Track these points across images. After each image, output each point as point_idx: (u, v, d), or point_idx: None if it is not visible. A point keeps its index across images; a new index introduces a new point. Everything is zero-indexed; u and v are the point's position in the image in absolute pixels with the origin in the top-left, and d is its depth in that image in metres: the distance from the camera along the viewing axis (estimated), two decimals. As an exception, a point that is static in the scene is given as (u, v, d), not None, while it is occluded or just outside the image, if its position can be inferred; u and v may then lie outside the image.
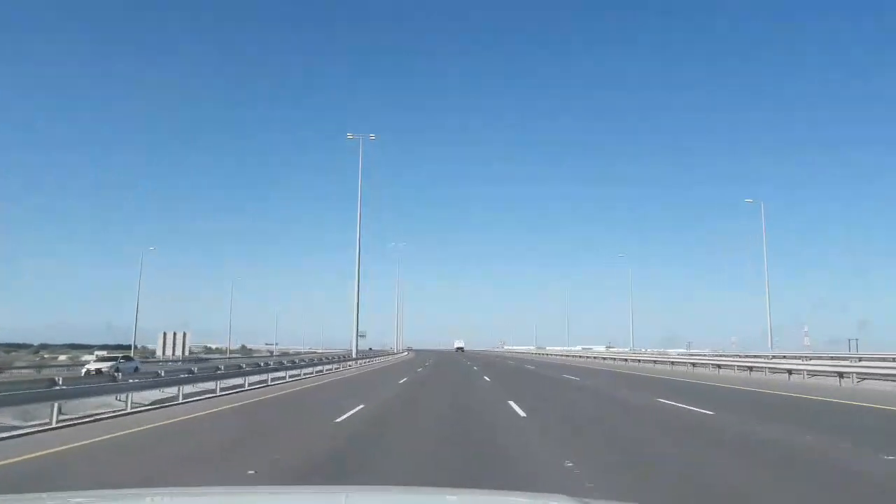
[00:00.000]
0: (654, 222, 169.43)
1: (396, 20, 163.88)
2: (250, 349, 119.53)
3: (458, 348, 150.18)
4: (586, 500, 2.74)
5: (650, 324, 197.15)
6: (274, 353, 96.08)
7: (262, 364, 30.03)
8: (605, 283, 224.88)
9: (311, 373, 33.36)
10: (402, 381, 28.14)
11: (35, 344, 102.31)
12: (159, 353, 61.72)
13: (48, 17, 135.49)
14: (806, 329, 46.55)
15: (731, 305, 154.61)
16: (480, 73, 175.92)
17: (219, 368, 25.32)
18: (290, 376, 28.98)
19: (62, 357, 75.60)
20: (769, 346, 44.61)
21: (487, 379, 30.38)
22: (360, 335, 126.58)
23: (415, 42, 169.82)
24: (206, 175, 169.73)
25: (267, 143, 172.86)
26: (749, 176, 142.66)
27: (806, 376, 27.22)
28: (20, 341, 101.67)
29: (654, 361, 47.79)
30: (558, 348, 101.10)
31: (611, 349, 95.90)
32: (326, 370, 36.95)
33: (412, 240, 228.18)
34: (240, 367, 27.42)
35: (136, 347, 58.25)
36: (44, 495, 3.63)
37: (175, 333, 60.79)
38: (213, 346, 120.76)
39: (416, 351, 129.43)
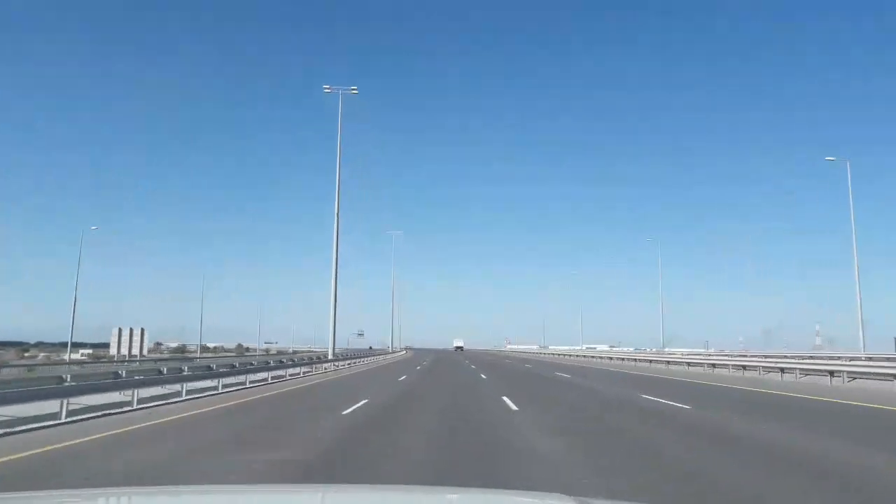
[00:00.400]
0: (654, 222, 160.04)
1: (396, 20, 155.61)
2: (246, 348, 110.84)
3: (458, 347, 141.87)
4: (586, 499, 2.46)
5: (649, 323, 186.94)
6: (270, 352, 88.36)
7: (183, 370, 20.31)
8: (605, 284, 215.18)
9: (256, 381, 23.46)
10: (354, 409, 14.68)
11: (31, 342, 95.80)
12: (113, 351, 51.15)
13: (48, 17, 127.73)
14: (818, 328, 42.69)
15: (731, 305, 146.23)
16: (480, 73, 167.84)
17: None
18: (188, 392, 18.91)
19: (40, 355, 68.14)
20: (861, 345, 34.15)
21: (514, 407, 15.65)
22: (358, 334, 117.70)
23: (415, 42, 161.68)
24: (206, 175, 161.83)
25: (267, 143, 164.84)
26: (749, 176, 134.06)
27: (846, 379, 24.30)
28: (23, 339, 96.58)
29: (668, 362, 42.17)
30: (563, 348, 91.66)
31: (614, 349, 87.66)
32: (273, 378, 26.89)
33: (413, 240, 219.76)
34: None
35: (71, 345, 49.17)
36: (40, 494, 3.47)
37: (132, 330, 50.27)
38: (212, 346, 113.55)
39: (416, 350, 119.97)
